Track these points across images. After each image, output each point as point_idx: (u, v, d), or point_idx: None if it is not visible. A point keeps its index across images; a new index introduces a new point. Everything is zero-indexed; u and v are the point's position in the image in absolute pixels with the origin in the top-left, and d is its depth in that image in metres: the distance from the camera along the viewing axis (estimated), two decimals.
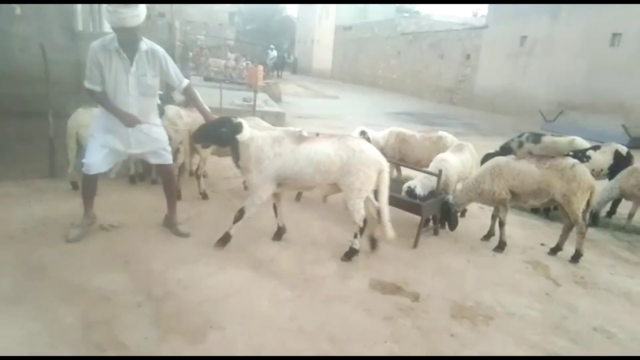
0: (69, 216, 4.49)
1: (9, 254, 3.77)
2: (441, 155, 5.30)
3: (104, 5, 3.87)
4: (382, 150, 6.01)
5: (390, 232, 4.15)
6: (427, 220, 5.13)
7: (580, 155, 6.15)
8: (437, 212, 4.95)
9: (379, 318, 3.44)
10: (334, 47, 39.28)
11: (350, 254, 4.28)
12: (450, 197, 4.86)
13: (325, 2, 39.97)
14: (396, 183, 5.61)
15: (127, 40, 3.79)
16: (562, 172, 4.51)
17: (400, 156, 6.22)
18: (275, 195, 4.41)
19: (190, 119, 5.31)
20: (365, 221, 4.17)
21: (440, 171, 4.75)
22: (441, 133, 6.42)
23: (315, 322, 3.28)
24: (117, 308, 3.23)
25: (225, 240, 4.25)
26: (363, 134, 6.18)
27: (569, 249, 4.86)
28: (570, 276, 4.47)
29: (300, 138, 4.21)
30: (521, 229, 5.69)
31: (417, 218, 4.84)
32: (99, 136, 4.01)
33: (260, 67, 19.08)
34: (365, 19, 36.75)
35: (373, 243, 4.49)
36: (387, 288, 3.92)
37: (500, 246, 4.82)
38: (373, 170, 4.05)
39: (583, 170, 4.54)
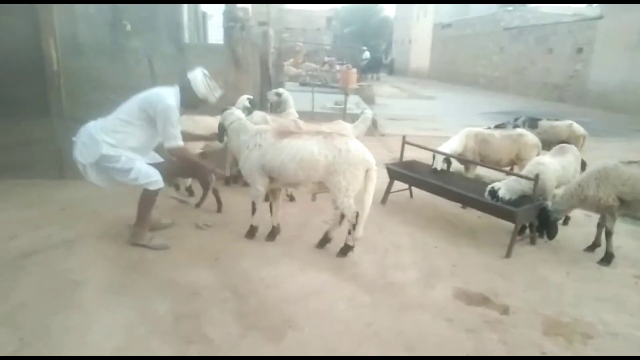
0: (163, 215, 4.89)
1: (113, 249, 4.17)
2: (538, 158, 4.94)
3: (204, 78, 4.16)
4: (461, 154, 5.77)
5: (360, 231, 4.11)
6: (523, 228, 4.81)
7: None
8: (534, 219, 4.60)
9: (462, 330, 3.28)
10: (432, 46, 38.27)
11: (345, 250, 4.24)
12: (550, 203, 4.47)
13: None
14: (476, 184, 5.38)
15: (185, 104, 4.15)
16: None
17: (480, 158, 5.85)
18: (272, 193, 4.50)
19: (277, 123, 5.49)
20: (357, 215, 4.06)
21: (537, 175, 4.40)
22: (520, 130, 6.08)
23: (393, 330, 3.22)
24: (205, 303, 3.43)
25: (252, 232, 4.52)
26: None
27: None
28: None
29: (285, 133, 4.28)
30: (634, 239, 5.10)
31: (510, 225, 4.55)
32: (134, 155, 4.03)
33: (354, 70, 19.15)
34: (466, 14, 35.33)
35: (325, 240, 4.42)
36: (472, 299, 3.72)
37: (607, 258, 4.36)
38: (360, 170, 4.00)
39: None
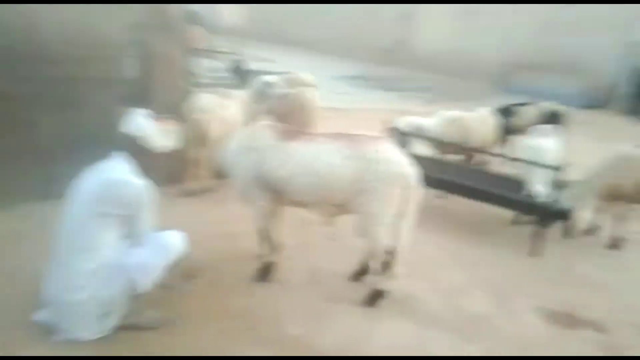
0: None
1: None
2: (534, 143, 4.65)
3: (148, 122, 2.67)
4: (437, 140, 5.29)
5: (399, 268, 3.15)
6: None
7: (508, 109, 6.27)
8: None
9: None
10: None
11: (374, 298, 3.19)
12: (568, 200, 4.20)
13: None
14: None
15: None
16: None
17: (458, 143, 5.44)
18: (272, 213, 3.30)
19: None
20: (391, 252, 3.11)
21: (561, 165, 4.08)
22: (484, 111, 5.89)
23: None
24: None
25: (265, 271, 3.37)
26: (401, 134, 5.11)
27: None
28: None
29: (291, 133, 3.19)
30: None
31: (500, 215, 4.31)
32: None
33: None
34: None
35: (363, 272, 3.44)
36: (559, 319, 3.30)
37: (618, 243, 4.39)
38: (397, 188, 2.96)
39: None
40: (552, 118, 6.30)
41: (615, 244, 4.39)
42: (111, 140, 2.59)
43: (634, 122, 11.69)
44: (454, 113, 5.60)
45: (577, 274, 3.93)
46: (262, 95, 4.82)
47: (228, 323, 2.84)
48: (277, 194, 3.15)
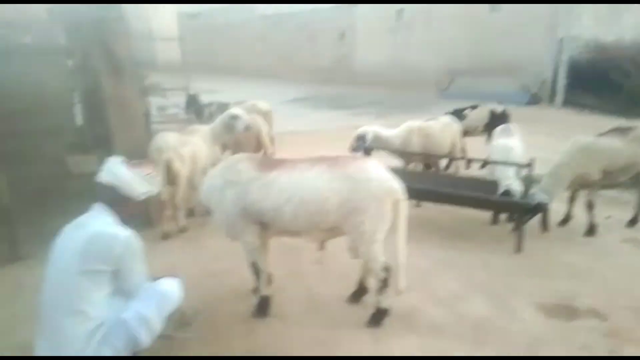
0: None
1: None
2: (503, 143, 4.78)
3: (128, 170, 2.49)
4: (403, 151, 5.35)
5: (402, 282, 3.06)
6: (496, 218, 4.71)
7: (458, 113, 6.63)
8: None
9: (604, 355, 2.85)
10: (180, 38, 36.25)
11: (379, 317, 3.12)
12: (540, 194, 4.30)
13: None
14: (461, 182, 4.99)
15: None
16: None
17: (423, 152, 5.51)
18: (262, 245, 3.22)
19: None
20: (388, 269, 3.07)
21: (532, 160, 4.20)
22: (448, 119, 5.97)
23: None
24: None
25: (263, 306, 3.23)
26: (362, 139, 5.26)
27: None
28: None
29: (271, 162, 3.18)
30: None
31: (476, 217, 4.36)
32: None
33: None
34: (214, 3, 34.56)
35: (361, 292, 3.41)
36: (560, 311, 3.33)
37: (592, 230, 4.52)
38: (388, 203, 2.95)
39: None
40: (501, 118, 6.59)
41: (590, 231, 4.53)
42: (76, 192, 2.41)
43: (575, 113, 12.33)
44: (416, 123, 5.68)
45: (563, 265, 4.01)
46: (229, 128, 4.73)
47: None
48: (264, 225, 3.04)
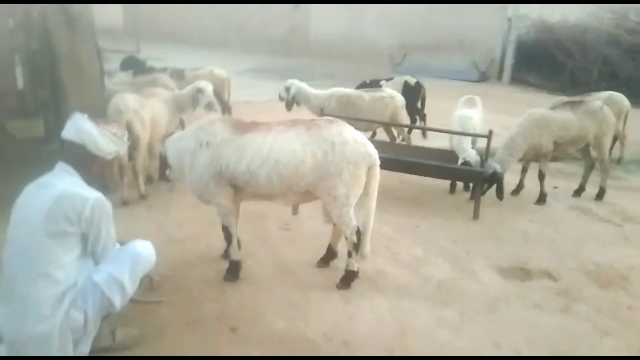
0: None
1: None
2: (464, 113, 4.92)
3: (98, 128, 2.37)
4: (319, 113, 5.37)
5: (368, 246, 3.15)
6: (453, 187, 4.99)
7: (375, 84, 6.84)
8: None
9: (556, 312, 3.08)
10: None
11: (348, 279, 3.19)
12: (495, 164, 4.47)
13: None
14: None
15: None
16: (594, 115, 4.60)
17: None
18: (235, 209, 3.24)
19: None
20: (359, 232, 3.10)
21: (491, 132, 4.37)
22: (389, 92, 5.86)
23: (509, 338, 2.78)
24: None
25: (233, 270, 3.21)
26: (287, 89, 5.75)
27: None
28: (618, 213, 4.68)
29: (245, 125, 3.10)
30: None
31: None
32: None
33: None
34: None
35: (330, 256, 3.45)
36: (516, 273, 3.56)
37: (542, 198, 4.78)
38: (362, 168, 2.98)
39: (609, 110, 4.69)
40: (415, 90, 6.80)
41: (541, 199, 4.79)
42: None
43: (520, 90, 12.82)
44: (344, 90, 5.72)
45: (516, 230, 4.24)
46: (194, 100, 4.62)
47: (209, 328, 2.67)
48: (238, 189, 3.00)
